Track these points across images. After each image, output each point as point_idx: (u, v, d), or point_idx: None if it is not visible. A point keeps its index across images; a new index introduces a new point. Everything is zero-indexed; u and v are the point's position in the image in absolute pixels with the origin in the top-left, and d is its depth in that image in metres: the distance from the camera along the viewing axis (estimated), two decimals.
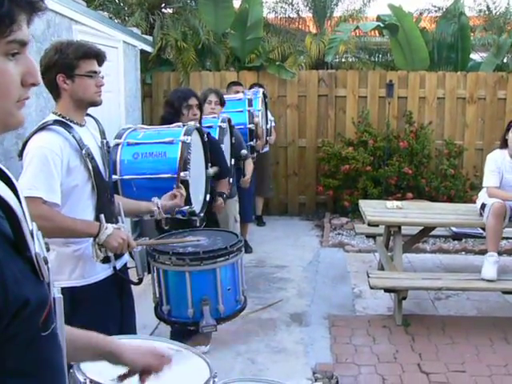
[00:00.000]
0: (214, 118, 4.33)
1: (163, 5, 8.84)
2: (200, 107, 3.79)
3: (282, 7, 9.99)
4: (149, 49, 7.75)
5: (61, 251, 2.29)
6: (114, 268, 2.42)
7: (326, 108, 7.85)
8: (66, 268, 2.31)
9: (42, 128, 2.25)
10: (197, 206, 3.11)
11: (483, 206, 4.69)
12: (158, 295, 2.57)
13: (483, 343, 4.12)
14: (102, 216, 2.27)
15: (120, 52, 6.17)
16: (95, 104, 2.38)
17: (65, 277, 2.28)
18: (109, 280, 2.41)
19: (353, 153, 7.40)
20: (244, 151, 4.44)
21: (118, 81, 6.07)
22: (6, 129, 0.95)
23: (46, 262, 0.94)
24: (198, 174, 3.21)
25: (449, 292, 4.95)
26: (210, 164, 3.40)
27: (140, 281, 2.48)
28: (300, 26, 10.08)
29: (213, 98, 4.57)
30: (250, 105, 5.40)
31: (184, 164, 2.92)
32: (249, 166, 5.20)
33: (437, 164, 7.61)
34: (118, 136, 3.07)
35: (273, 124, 6.89)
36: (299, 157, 7.97)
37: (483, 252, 4.93)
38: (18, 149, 2.33)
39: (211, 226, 3.43)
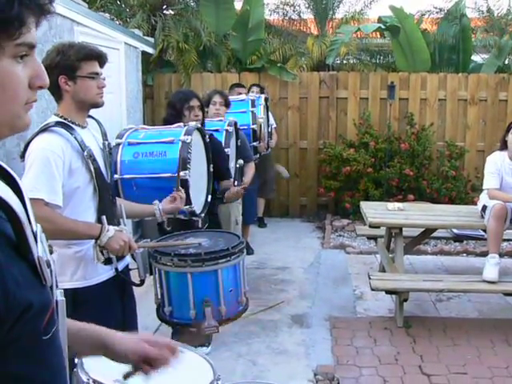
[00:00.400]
0: (221, 121, 4.33)
1: (165, 6, 8.84)
2: (202, 108, 3.80)
3: (283, 9, 10.01)
4: (150, 50, 7.76)
5: (62, 252, 2.30)
6: (116, 269, 2.42)
7: (328, 110, 7.85)
8: (68, 269, 2.31)
9: (44, 130, 2.26)
10: (198, 206, 3.11)
11: (484, 207, 4.69)
12: (159, 296, 2.57)
13: (484, 345, 4.12)
14: (104, 217, 2.26)
15: (121, 53, 6.17)
16: (97, 106, 2.38)
17: (66, 278, 2.28)
18: (110, 281, 2.41)
19: (354, 154, 7.40)
20: (241, 161, 4.41)
21: (119, 82, 6.08)
22: (13, 131, 0.95)
23: (49, 266, 0.93)
24: (199, 174, 3.21)
25: (450, 294, 4.95)
26: (211, 165, 3.40)
27: (142, 282, 2.48)
28: (301, 28, 10.09)
29: (217, 98, 4.57)
30: (253, 105, 5.40)
31: (184, 163, 2.92)
32: (250, 171, 5.10)
33: (438, 166, 7.60)
34: (120, 136, 3.08)
35: (274, 126, 6.89)
36: (300, 158, 7.97)
37: (484, 254, 4.93)
38: (20, 150, 2.34)
39: (213, 228, 3.43)
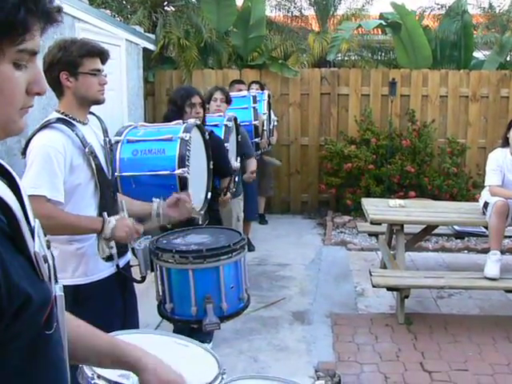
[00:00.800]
0: (220, 116, 4.32)
1: (166, 3, 8.84)
2: (203, 105, 3.79)
3: (284, 5, 10.00)
4: (151, 47, 7.75)
5: (64, 249, 2.30)
6: (117, 266, 2.42)
7: (329, 106, 7.84)
8: (69, 266, 2.31)
9: (45, 126, 2.25)
10: (197, 203, 3.10)
11: (486, 204, 4.69)
12: (160, 293, 2.56)
13: (486, 342, 4.12)
14: (105, 214, 2.26)
15: (123, 50, 6.17)
16: (98, 102, 2.37)
17: (68, 274, 2.28)
18: (112, 278, 2.42)
19: (355, 151, 7.39)
20: (237, 164, 4.37)
21: (120, 79, 6.08)
22: (7, 135, 0.94)
23: (46, 261, 0.93)
24: (198, 171, 3.21)
25: (451, 290, 4.95)
26: (211, 162, 3.39)
27: (143, 279, 2.48)
28: (302, 24, 10.09)
29: (218, 95, 4.57)
30: (255, 102, 5.39)
31: (182, 161, 2.92)
32: (251, 164, 5.14)
33: (439, 162, 7.59)
34: (119, 133, 3.07)
35: (275, 123, 6.89)
36: (302, 155, 7.97)
37: (486, 250, 4.92)
38: (21, 147, 2.33)
39: (214, 224, 3.43)
